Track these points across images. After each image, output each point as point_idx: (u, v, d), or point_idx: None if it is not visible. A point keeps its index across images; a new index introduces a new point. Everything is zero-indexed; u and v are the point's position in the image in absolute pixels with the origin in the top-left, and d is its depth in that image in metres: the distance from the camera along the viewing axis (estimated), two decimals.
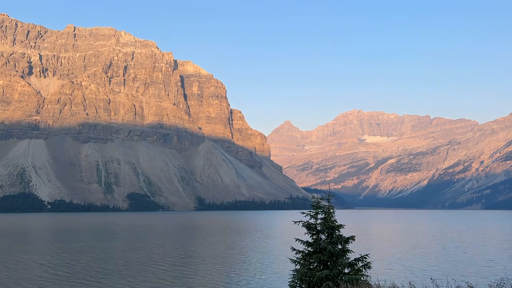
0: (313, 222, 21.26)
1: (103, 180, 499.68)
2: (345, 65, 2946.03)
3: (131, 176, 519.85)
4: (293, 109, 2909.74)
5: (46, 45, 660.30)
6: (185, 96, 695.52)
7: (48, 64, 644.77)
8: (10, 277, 57.80)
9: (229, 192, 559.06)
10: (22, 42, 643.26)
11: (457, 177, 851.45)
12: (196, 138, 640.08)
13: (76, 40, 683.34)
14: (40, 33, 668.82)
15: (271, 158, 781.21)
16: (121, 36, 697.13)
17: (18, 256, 77.87)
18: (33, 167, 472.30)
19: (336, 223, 20.98)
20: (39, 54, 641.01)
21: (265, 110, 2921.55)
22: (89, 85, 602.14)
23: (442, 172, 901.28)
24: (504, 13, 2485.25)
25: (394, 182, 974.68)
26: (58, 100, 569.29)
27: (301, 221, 21.67)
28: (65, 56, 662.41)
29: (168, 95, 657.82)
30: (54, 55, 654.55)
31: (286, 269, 58.55)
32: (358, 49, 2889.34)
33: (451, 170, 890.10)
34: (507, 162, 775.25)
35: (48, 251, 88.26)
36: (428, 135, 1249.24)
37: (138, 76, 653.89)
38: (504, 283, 20.70)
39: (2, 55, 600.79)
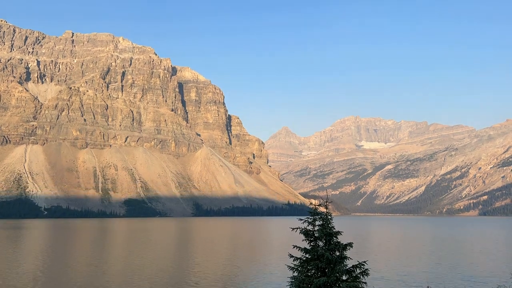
0: (311, 229, 21.19)
1: (100, 186, 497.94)
2: (342, 71, 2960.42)
3: (129, 182, 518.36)
4: (291, 115, 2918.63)
5: (44, 50, 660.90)
6: (183, 102, 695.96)
7: (45, 69, 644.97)
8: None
9: (227, 198, 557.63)
10: (20, 47, 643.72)
11: (454, 183, 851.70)
12: (193, 144, 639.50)
13: (74, 46, 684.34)
14: (38, 39, 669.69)
15: (268, 164, 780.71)
16: (119, 42, 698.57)
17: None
18: (30, 172, 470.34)
19: (334, 230, 20.92)
20: (36, 59, 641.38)
21: (262, 116, 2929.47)
22: (87, 90, 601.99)
23: (439, 178, 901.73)
24: (501, 19, 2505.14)
25: (392, 188, 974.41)
26: (56, 106, 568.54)
27: (299, 228, 21.60)
28: (63, 62, 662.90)
29: (166, 101, 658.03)
30: (52, 60, 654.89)
31: (283, 276, 58.34)
32: (356, 55, 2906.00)
33: (448, 176, 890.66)
34: (504, 168, 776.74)
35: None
36: (426, 141, 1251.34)
37: (136, 82, 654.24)
38: None
39: (0, 60, 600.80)
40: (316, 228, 21.09)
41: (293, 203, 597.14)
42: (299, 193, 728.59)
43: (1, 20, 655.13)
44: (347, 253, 20.81)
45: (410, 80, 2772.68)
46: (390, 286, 55.16)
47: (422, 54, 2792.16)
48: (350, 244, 20.97)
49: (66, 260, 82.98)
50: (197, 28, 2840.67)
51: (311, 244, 21.00)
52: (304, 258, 20.85)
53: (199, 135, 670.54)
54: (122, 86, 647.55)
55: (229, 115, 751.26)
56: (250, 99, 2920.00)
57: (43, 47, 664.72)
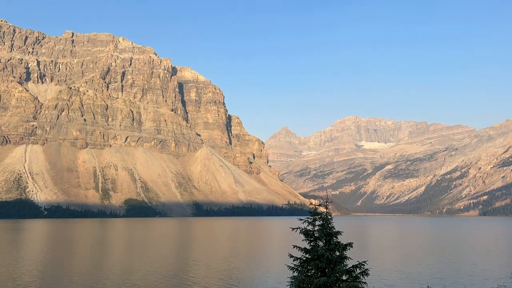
0: (311, 229, 21.19)
1: (100, 186, 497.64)
2: (342, 71, 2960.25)
3: (128, 182, 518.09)
4: (291, 115, 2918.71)
5: (44, 51, 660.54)
6: (183, 102, 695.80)
7: (45, 69, 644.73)
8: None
9: (227, 198, 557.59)
10: (20, 48, 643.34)
11: (454, 183, 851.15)
12: (193, 143, 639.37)
13: (74, 46, 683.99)
14: (38, 39, 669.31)
15: (268, 164, 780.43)
16: (119, 42, 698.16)
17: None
18: (29, 172, 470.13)
19: (334, 230, 20.92)
20: (36, 60, 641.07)
21: (262, 116, 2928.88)
22: (87, 90, 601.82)
23: (439, 178, 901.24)
24: (500, 19, 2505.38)
25: (392, 188, 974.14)
26: (56, 106, 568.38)
27: (299, 228, 21.60)
28: (62, 62, 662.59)
29: (166, 101, 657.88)
30: (52, 60, 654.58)
31: (283, 276, 58.37)
32: (355, 55, 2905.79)
33: (448, 176, 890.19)
34: (504, 168, 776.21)
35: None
36: (425, 141, 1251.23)
37: (136, 82, 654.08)
38: None
39: (0, 60, 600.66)
40: (316, 228, 21.09)
41: (293, 203, 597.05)
42: (299, 193, 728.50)
43: (1, 20, 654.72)
44: (347, 253, 20.81)
45: (410, 80, 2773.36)
46: (390, 286, 55.14)
47: (422, 54, 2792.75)
48: (350, 244, 20.98)
49: (66, 261, 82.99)
50: (197, 29, 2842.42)
51: (311, 244, 21.00)
52: (304, 258, 20.85)
53: (199, 135, 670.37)
54: (122, 86, 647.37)
55: (229, 115, 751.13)
56: (250, 99, 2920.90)
57: (43, 47, 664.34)
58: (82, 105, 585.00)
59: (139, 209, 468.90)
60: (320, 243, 20.86)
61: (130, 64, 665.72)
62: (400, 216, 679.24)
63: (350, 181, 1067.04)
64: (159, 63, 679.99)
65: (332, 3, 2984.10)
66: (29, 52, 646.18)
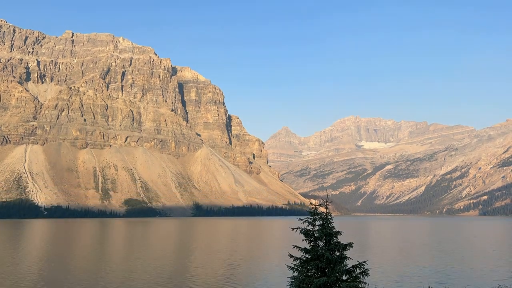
0: (311, 229, 21.19)
1: (100, 186, 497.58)
2: (342, 71, 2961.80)
3: (128, 182, 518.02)
4: (291, 115, 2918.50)
5: (44, 51, 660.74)
6: (183, 102, 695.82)
7: (45, 70, 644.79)
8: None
9: (227, 198, 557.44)
10: (20, 48, 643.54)
11: (454, 183, 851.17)
12: (193, 143, 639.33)
13: (74, 46, 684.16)
14: (38, 39, 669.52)
15: (268, 164, 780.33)
16: (119, 42, 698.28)
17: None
18: (29, 173, 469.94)
19: (334, 230, 20.93)
20: (36, 60, 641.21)
21: (262, 116, 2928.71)
22: (87, 90, 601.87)
23: (439, 178, 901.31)
24: (500, 20, 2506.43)
25: (392, 188, 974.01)
26: (56, 106, 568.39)
27: (299, 228, 21.61)
28: (62, 62, 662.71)
29: (166, 101, 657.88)
30: (52, 60, 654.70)
31: (283, 276, 58.38)
32: (355, 55, 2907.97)
33: (448, 176, 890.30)
34: (504, 168, 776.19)
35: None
36: (425, 141, 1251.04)
37: (136, 82, 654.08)
38: None
39: (0, 60, 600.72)
40: (316, 228, 21.10)
41: (293, 203, 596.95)
42: (299, 193, 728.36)
43: (1, 20, 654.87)
44: (347, 253, 20.81)
45: (410, 80, 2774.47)
46: (390, 286, 55.15)
47: (422, 55, 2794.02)
48: (350, 244, 20.98)
49: (66, 261, 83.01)
50: (196, 28, 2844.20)
51: (311, 244, 21.00)
52: (304, 258, 20.86)
53: (199, 135, 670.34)
54: (122, 86, 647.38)
55: (229, 115, 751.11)
56: (250, 99, 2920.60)
57: (43, 47, 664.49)
58: (82, 105, 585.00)
59: (139, 209, 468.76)
60: (320, 243, 20.86)
61: (130, 64, 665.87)
62: (400, 216, 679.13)
63: (350, 181, 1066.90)
64: (159, 63, 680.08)
65: (333, 9, 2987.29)
66: (29, 52, 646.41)
